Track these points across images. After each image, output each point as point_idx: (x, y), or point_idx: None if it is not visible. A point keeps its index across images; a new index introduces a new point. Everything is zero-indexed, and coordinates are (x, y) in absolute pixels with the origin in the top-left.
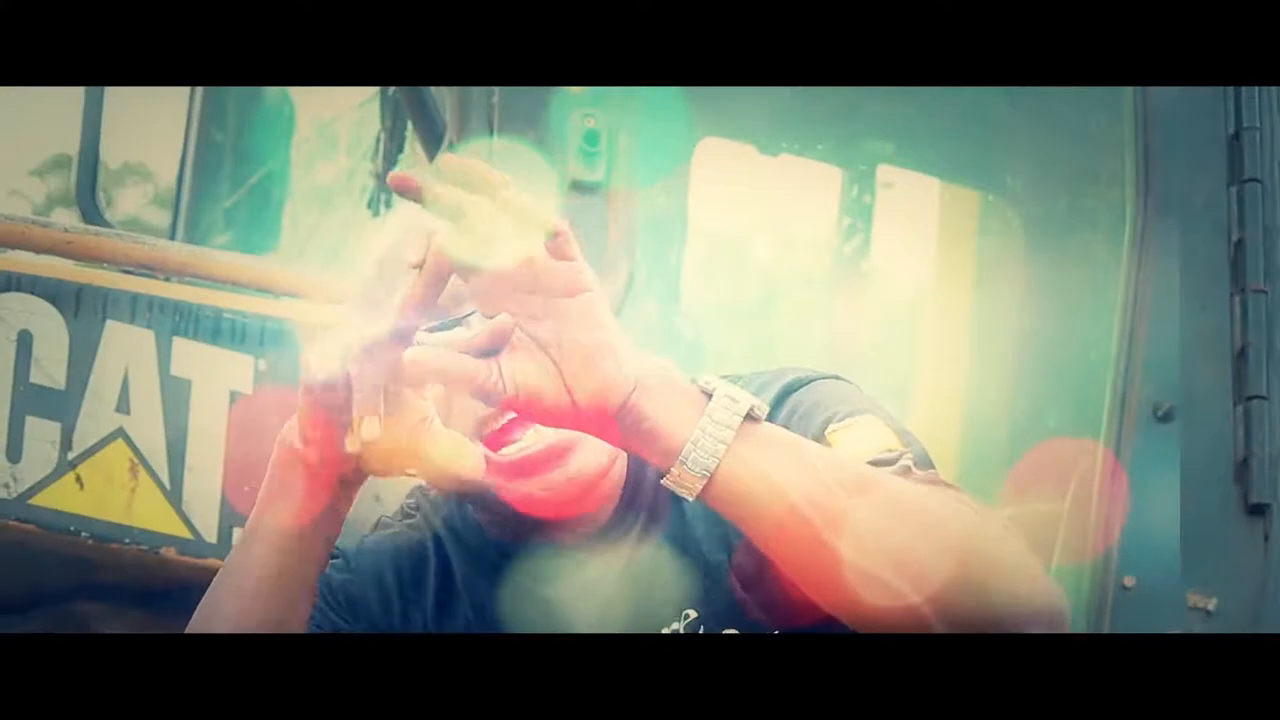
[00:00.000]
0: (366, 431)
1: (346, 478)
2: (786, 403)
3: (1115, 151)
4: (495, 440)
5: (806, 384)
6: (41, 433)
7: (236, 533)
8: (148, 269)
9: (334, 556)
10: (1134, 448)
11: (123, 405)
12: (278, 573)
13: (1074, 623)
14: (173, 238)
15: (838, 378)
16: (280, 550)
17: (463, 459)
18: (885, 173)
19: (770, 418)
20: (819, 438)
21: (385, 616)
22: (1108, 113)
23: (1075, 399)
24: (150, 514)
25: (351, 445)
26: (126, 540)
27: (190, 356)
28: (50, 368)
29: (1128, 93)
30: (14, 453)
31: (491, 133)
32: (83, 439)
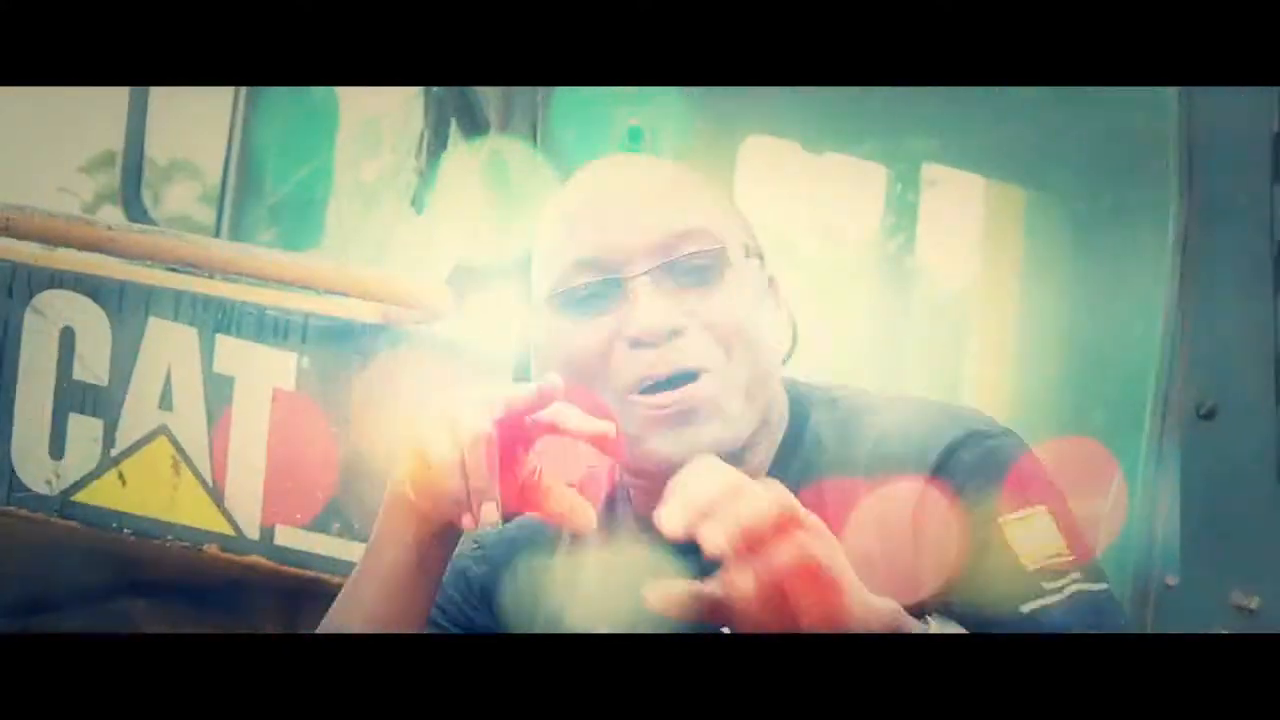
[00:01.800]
0: (486, 517)
1: (457, 524)
2: (961, 456)
3: (1159, 149)
4: None
5: (983, 444)
6: (84, 430)
7: (279, 530)
8: (191, 266)
9: (475, 545)
10: (1176, 446)
11: (165, 402)
12: (385, 614)
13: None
14: (217, 234)
15: (1008, 432)
16: (389, 594)
17: (575, 516)
18: (930, 170)
19: (942, 467)
20: (990, 518)
21: (515, 609)
22: (1151, 110)
23: (1120, 397)
24: (192, 510)
25: (468, 525)
26: (169, 537)
27: (233, 353)
28: (93, 364)
29: (1171, 91)
30: (56, 449)
31: (535, 131)
32: (125, 436)
